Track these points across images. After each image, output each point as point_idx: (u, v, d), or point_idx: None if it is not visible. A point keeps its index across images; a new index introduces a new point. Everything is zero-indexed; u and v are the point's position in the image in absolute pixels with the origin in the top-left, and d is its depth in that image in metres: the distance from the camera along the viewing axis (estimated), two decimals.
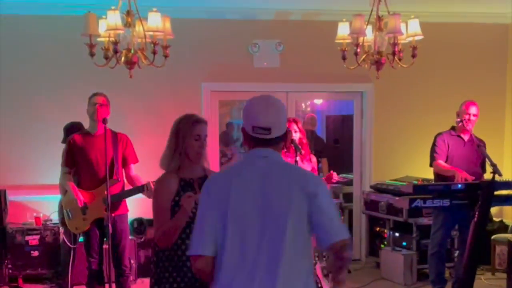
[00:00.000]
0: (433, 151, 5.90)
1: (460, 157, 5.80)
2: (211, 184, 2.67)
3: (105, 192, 4.73)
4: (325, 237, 2.60)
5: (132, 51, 4.78)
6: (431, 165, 5.93)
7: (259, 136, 2.63)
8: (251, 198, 2.56)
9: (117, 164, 5.15)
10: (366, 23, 5.18)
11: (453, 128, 5.92)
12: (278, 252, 2.52)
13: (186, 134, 3.45)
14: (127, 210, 5.33)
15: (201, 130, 3.48)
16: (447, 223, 5.86)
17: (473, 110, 5.75)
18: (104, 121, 4.82)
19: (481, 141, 5.82)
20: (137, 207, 6.04)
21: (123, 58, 4.78)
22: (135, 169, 5.29)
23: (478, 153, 5.71)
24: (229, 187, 2.58)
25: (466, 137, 5.82)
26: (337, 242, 2.58)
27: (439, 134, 5.95)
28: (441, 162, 5.79)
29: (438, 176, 5.88)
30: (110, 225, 4.69)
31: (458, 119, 5.78)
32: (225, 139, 9.55)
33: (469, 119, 5.73)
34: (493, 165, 5.17)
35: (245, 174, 2.62)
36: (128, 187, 5.24)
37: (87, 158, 5.11)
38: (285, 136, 2.71)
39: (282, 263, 2.52)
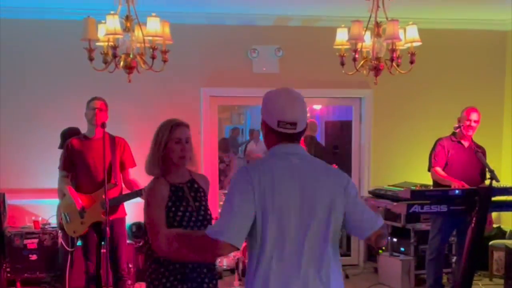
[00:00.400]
0: (431, 156, 5.92)
1: (460, 163, 5.81)
2: (245, 176, 2.54)
3: (103, 196, 4.74)
4: (362, 229, 2.67)
5: (131, 56, 4.80)
6: (429, 170, 5.94)
7: (286, 131, 2.59)
8: (291, 195, 2.52)
9: (115, 168, 5.16)
10: (365, 29, 5.20)
11: (454, 133, 5.93)
12: (322, 248, 2.55)
13: (166, 138, 3.43)
14: (125, 214, 5.34)
15: (181, 133, 3.45)
16: (445, 229, 5.87)
17: (474, 116, 5.77)
18: (103, 125, 4.83)
19: (481, 148, 5.83)
20: (135, 211, 6.03)
21: (122, 63, 4.80)
22: (132, 174, 5.30)
23: (478, 160, 5.72)
24: (266, 182, 2.51)
25: (466, 143, 5.84)
26: (373, 233, 2.65)
27: (440, 139, 5.97)
28: (438, 169, 5.80)
29: (435, 183, 5.90)
30: (108, 229, 4.70)
31: (457, 125, 5.80)
32: (224, 145, 9.57)
33: (469, 125, 5.76)
34: (491, 171, 5.19)
35: (281, 171, 2.55)
36: (126, 191, 5.25)
37: (85, 162, 5.12)
38: (306, 130, 2.69)
39: (326, 257, 2.56)
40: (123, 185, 5.32)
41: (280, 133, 2.60)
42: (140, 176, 5.23)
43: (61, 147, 5.71)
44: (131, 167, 5.30)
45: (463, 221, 5.51)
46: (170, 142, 3.43)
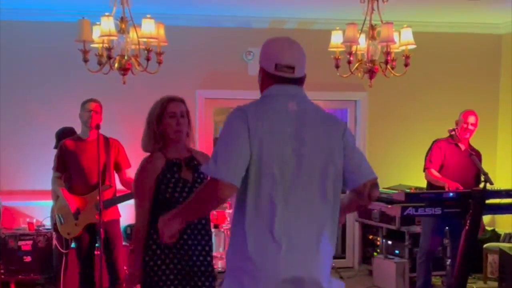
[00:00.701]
0: (427, 157, 5.92)
1: (456, 166, 5.82)
2: (240, 119, 2.44)
3: (97, 198, 4.74)
4: (359, 175, 2.61)
5: (126, 58, 4.81)
6: (424, 170, 5.96)
7: (283, 75, 2.52)
8: (287, 146, 2.45)
9: (109, 170, 5.16)
10: (360, 32, 5.22)
11: (451, 136, 5.94)
12: (320, 205, 2.51)
13: (159, 113, 3.44)
14: (119, 216, 5.34)
15: (175, 107, 3.45)
16: (437, 232, 5.87)
17: (471, 119, 5.78)
18: (97, 127, 4.84)
19: (476, 151, 5.85)
20: (131, 213, 6.02)
21: (116, 64, 4.81)
22: (129, 174, 5.30)
23: (473, 164, 5.74)
24: (261, 129, 2.42)
25: (463, 147, 5.85)
26: (369, 181, 2.61)
27: (437, 140, 5.97)
28: (433, 171, 5.81)
29: (429, 184, 5.91)
30: (102, 230, 4.70)
31: (451, 128, 5.80)
32: None
33: (467, 128, 5.77)
34: (485, 174, 5.20)
35: (277, 119, 2.47)
36: (121, 193, 5.25)
37: (79, 164, 5.12)
38: (304, 79, 2.60)
39: (323, 215, 2.52)
40: (121, 186, 5.32)
41: (277, 77, 2.53)
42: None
43: (56, 147, 5.70)
44: (126, 168, 5.30)
45: (455, 224, 5.54)
46: (164, 117, 3.42)
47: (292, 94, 2.53)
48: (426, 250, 5.90)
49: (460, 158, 5.84)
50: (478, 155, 5.88)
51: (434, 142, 5.99)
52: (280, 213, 2.44)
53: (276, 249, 2.44)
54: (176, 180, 3.38)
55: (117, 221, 5.31)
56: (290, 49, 2.55)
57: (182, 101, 3.53)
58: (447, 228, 5.94)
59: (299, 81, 2.57)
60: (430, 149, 5.96)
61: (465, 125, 5.77)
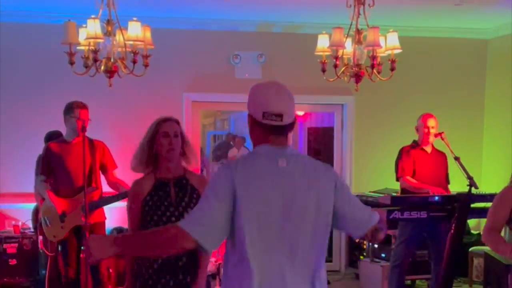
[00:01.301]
0: (398, 165, 5.91)
1: (427, 170, 5.82)
2: (227, 175, 2.42)
3: (84, 200, 4.72)
4: (357, 229, 2.63)
5: (112, 60, 4.79)
6: (397, 180, 5.96)
7: (271, 123, 2.46)
8: (274, 201, 2.42)
9: (95, 172, 5.15)
10: (346, 36, 5.23)
11: (415, 141, 5.96)
12: (309, 255, 2.51)
13: (153, 132, 3.50)
14: (105, 218, 5.33)
15: (169, 127, 3.52)
16: (412, 237, 5.83)
17: (431, 123, 5.79)
18: (83, 129, 4.82)
19: (441, 153, 5.88)
20: (117, 215, 6.03)
21: (102, 67, 4.79)
22: (117, 175, 5.31)
23: (443, 165, 5.81)
24: (249, 185, 2.41)
25: (429, 149, 5.88)
26: (370, 230, 2.62)
27: (404, 147, 5.96)
28: (409, 178, 5.81)
29: (405, 191, 5.88)
30: (87, 233, 4.68)
31: (437, 132, 5.80)
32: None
33: (428, 132, 5.79)
34: (470, 178, 5.22)
35: (266, 174, 2.44)
36: (107, 195, 5.25)
37: (64, 166, 5.11)
38: (294, 125, 2.54)
39: (315, 266, 2.54)
40: (109, 188, 5.31)
41: (265, 126, 2.47)
42: (125, 177, 5.23)
43: None
44: (113, 169, 5.30)
45: (434, 228, 5.57)
46: (158, 137, 3.48)
47: (282, 154, 2.50)
48: (401, 254, 5.87)
49: (429, 162, 5.86)
50: (443, 156, 5.91)
51: (401, 150, 5.98)
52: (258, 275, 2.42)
53: None
54: (162, 199, 3.45)
55: (102, 224, 5.30)
56: (278, 95, 2.48)
57: (176, 121, 3.60)
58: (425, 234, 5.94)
59: (288, 128, 2.52)
60: (399, 157, 5.93)
61: (425, 130, 5.79)
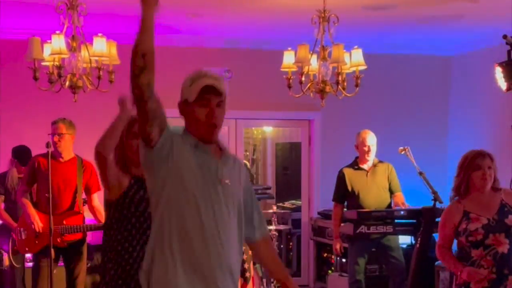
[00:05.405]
0: (335, 187, 5.98)
1: (366, 188, 5.82)
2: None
3: (64, 222, 4.90)
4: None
5: (77, 76, 4.77)
6: (333, 200, 6.00)
7: None
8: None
9: (79, 195, 5.14)
10: (311, 52, 5.27)
11: (355, 161, 5.97)
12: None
13: (124, 133, 3.51)
14: (82, 236, 5.27)
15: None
16: (362, 252, 5.89)
17: (370, 141, 5.81)
18: (47, 145, 4.81)
19: (384, 165, 5.91)
20: (95, 233, 5.93)
21: (67, 83, 4.76)
22: (97, 200, 5.24)
23: (384, 178, 5.80)
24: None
25: (366, 166, 5.87)
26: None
27: (342, 170, 5.96)
28: (334, 204, 5.93)
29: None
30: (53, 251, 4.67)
31: (402, 148, 5.83)
32: None
33: (368, 150, 5.81)
34: (434, 193, 5.30)
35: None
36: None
37: (50, 184, 5.01)
38: None
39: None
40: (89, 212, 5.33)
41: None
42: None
43: (24, 164, 5.60)
44: (95, 191, 5.24)
45: (376, 245, 5.63)
46: (126, 138, 3.50)
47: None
48: (357, 270, 5.87)
49: (368, 179, 5.84)
50: (390, 168, 5.92)
51: (338, 172, 5.98)
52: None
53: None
54: (135, 195, 3.41)
55: (79, 241, 5.24)
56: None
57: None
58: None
59: None
60: (336, 179, 5.96)
61: (365, 148, 5.79)
